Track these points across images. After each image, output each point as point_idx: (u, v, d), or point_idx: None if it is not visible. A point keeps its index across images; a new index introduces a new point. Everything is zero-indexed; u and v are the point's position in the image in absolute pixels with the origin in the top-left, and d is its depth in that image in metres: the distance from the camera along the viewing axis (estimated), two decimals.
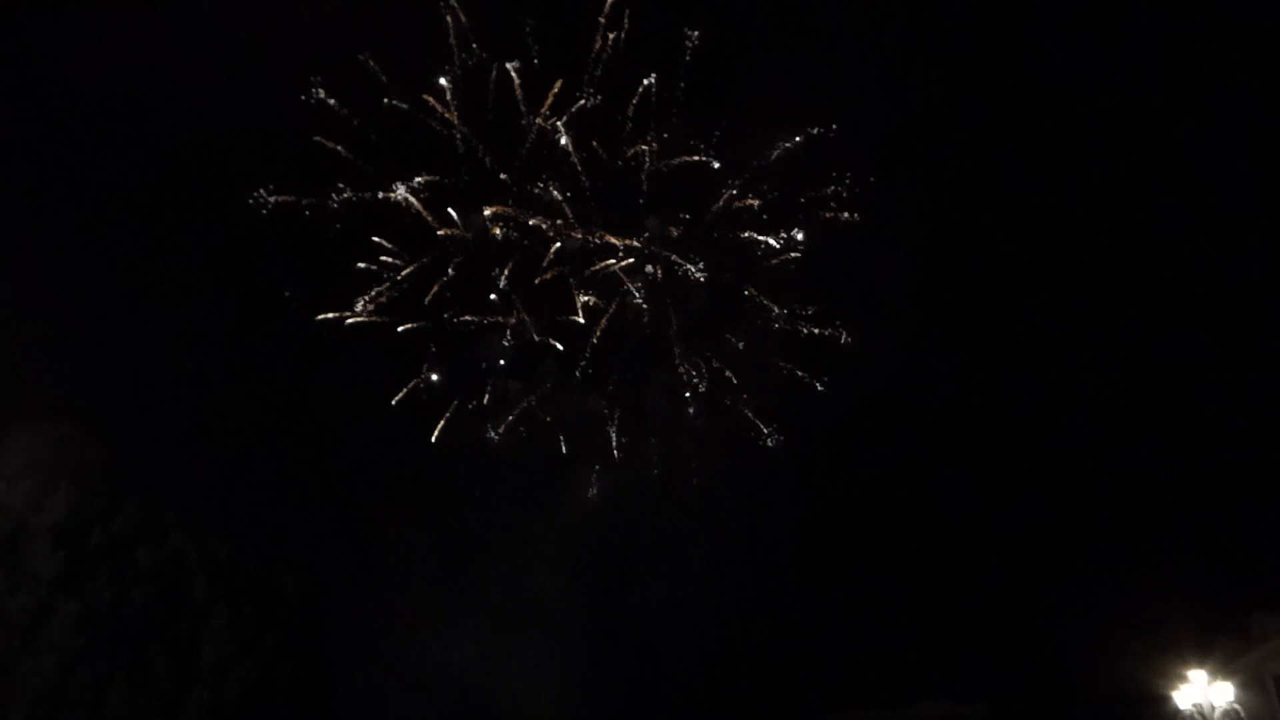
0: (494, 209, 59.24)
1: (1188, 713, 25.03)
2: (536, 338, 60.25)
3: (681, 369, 60.52)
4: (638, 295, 61.23)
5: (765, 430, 58.85)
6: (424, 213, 58.12)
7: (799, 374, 60.02)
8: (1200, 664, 27.74)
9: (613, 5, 55.05)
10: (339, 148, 54.88)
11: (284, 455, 60.62)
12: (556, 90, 56.55)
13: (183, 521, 27.74)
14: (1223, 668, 31.18)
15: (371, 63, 53.84)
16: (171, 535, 27.43)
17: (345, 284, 60.09)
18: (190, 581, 26.28)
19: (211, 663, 24.46)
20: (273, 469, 61.33)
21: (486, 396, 61.22)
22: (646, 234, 60.57)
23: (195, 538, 27.50)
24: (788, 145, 56.38)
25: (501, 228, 59.82)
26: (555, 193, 61.02)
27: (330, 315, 56.57)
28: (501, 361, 61.27)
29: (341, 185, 57.72)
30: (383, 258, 59.48)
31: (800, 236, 58.92)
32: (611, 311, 63.53)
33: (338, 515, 58.99)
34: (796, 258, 59.09)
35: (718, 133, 56.82)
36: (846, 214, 57.11)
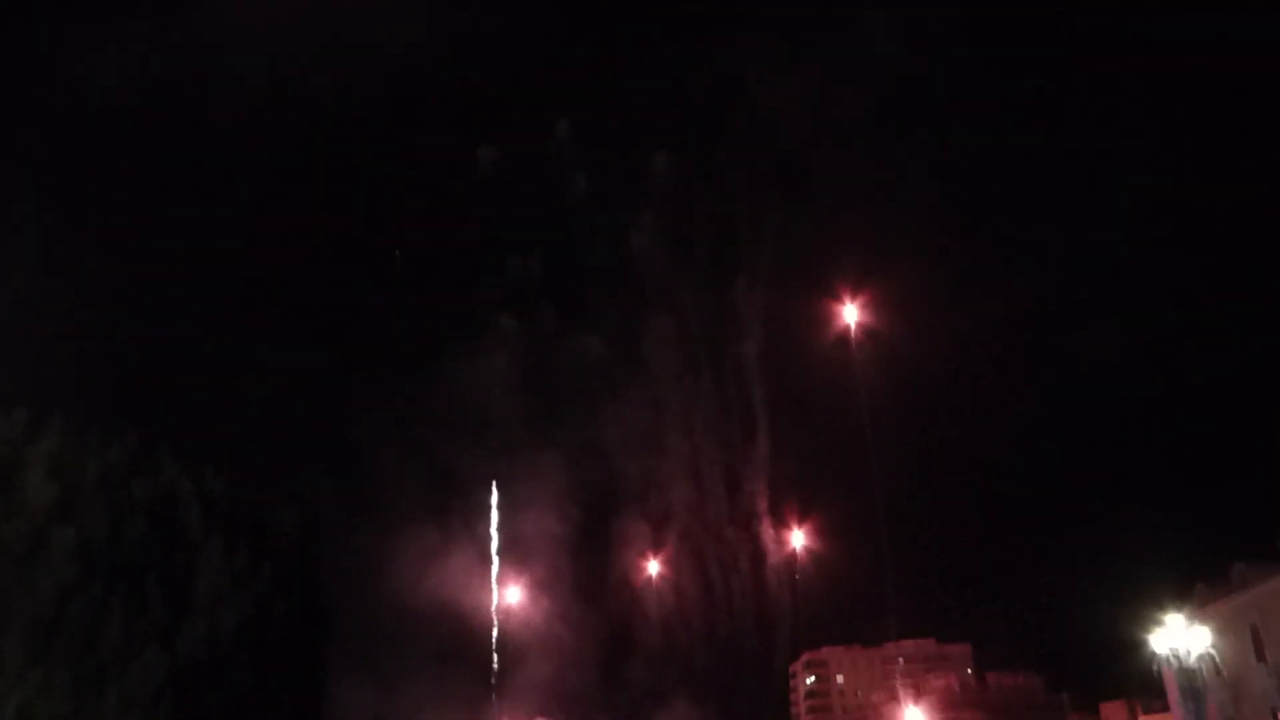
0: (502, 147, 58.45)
1: (1164, 656, 25.46)
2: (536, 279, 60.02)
3: (679, 313, 60.46)
4: (642, 237, 60.85)
5: (751, 376, 59.14)
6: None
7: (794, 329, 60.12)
8: (1178, 609, 28.16)
9: None
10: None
11: (280, 393, 60.74)
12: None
13: (177, 455, 27.87)
14: (1200, 612, 31.70)
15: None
16: (166, 468, 27.56)
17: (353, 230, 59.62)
18: (185, 514, 26.46)
19: (206, 593, 24.72)
20: (269, 407, 61.47)
21: (485, 337, 61.24)
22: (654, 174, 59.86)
23: (190, 471, 27.64)
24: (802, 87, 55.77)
25: (508, 167, 59.13)
26: (565, 132, 60.23)
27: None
28: (500, 302, 61.19)
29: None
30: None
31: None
32: (615, 253, 63.29)
33: (333, 451, 59.31)
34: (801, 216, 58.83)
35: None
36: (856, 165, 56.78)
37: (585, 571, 60.09)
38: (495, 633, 55.45)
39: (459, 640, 54.58)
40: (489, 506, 57.96)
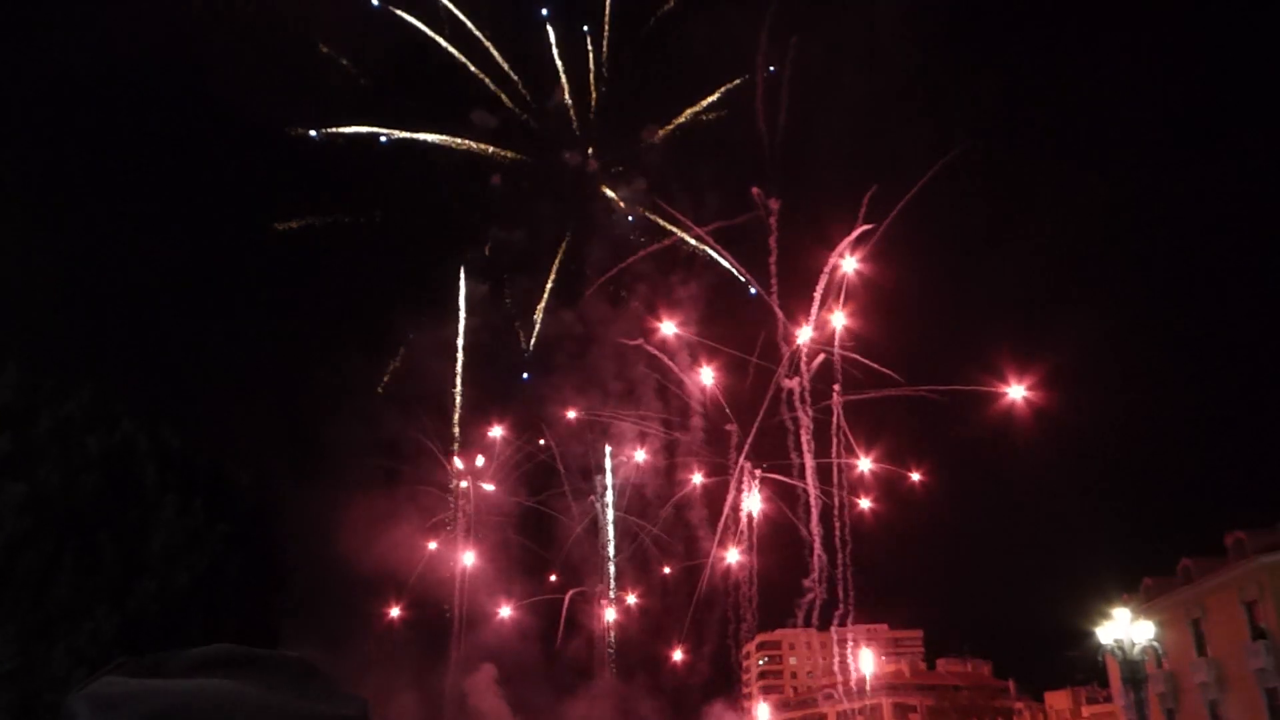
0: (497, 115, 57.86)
1: (1109, 647, 25.95)
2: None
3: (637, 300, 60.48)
4: (620, 208, 60.59)
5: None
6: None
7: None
8: (1125, 602, 28.72)
9: None
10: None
11: (239, 354, 60.15)
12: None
13: (134, 410, 27.43)
14: (1146, 606, 32.39)
15: None
16: (123, 423, 27.12)
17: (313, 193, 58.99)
18: (141, 470, 26.09)
19: (160, 551, 24.45)
20: (227, 367, 60.86)
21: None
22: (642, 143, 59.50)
23: (146, 427, 27.22)
24: None
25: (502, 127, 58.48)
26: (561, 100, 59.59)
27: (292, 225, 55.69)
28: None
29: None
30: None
31: None
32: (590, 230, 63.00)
33: (290, 416, 58.95)
34: None
35: None
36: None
37: (530, 549, 60.47)
38: (457, 600, 55.71)
39: (409, 605, 54.80)
40: (446, 477, 57.97)
